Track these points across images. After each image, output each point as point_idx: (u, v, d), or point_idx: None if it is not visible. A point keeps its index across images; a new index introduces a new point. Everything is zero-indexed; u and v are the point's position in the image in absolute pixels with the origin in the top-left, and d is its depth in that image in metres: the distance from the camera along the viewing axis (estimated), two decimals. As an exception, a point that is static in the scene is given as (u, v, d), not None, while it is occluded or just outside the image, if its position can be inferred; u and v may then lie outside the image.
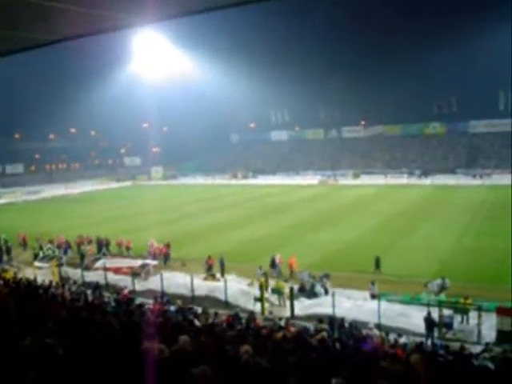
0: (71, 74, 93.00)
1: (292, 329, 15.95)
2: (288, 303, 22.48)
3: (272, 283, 24.55)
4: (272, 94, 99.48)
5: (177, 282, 25.54)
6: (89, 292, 22.46)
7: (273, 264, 28.29)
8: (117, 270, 28.29)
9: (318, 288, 23.87)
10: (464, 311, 20.08)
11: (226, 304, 22.79)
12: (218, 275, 27.21)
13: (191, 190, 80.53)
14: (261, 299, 22.36)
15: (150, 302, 20.97)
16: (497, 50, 74.73)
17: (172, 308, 19.30)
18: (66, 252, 34.40)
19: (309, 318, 20.59)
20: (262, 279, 23.79)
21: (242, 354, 8.51)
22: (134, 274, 26.61)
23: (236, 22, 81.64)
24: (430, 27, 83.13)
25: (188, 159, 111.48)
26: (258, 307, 22.22)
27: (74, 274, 28.32)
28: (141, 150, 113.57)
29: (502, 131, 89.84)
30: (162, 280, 24.43)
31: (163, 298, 22.16)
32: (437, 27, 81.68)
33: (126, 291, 23.56)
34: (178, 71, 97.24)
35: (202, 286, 24.95)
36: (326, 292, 23.48)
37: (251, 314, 19.39)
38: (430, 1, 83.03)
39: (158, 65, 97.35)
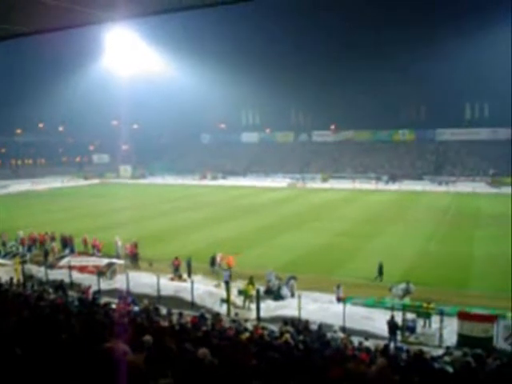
0: (40, 68, 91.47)
1: (259, 331, 15.96)
2: (254, 305, 22.50)
3: (239, 285, 24.53)
4: (243, 96, 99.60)
5: (143, 281, 25.30)
6: (52, 291, 22.04)
7: (213, 262, 28.78)
8: (82, 269, 27.85)
9: (285, 290, 23.97)
10: (426, 315, 20.44)
11: (192, 305, 22.67)
12: (185, 276, 27.08)
13: (160, 189, 79.92)
14: (227, 301, 22.33)
15: (115, 302, 20.71)
16: (465, 62, 76.49)
17: (137, 308, 19.11)
18: (29, 249, 33.75)
19: (274, 320, 20.63)
20: (250, 287, 23.57)
21: (203, 357, 8.46)
22: (100, 273, 26.25)
23: (209, 23, 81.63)
24: (403, 37, 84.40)
25: (157, 158, 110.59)
26: (224, 309, 22.19)
27: (38, 271, 27.77)
28: (109, 147, 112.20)
29: (468, 140, 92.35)
30: (127, 279, 24.15)
31: (128, 297, 21.90)
32: (409, 37, 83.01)
33: (90, 290, 23.23)
34: (150, 69, 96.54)
35: (169, 286, 24.78)
36: (293, 294, 23.59)
37: (217, 315, 19.33)
38: (402, 11, 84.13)
39: (129, 62, 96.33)
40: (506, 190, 69.46)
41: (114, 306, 18.47)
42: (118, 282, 25.86)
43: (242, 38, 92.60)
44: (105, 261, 29.05)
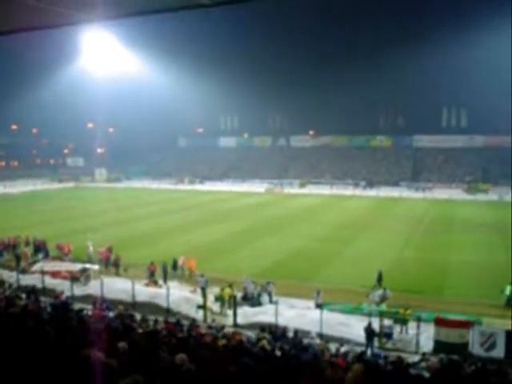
0: (14, 69, 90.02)
1: (236, 337, 15.80)
2: (231, 311, 22.32)
3: (216, 290, 24.31)
4: (221, 100, 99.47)
5: (118, 287, 24.92)
6: (24, 296, 21.54)
7: (175, 266, 28.83)
8: (55, 274, 27.34)
9: (262, 296, 23.83)
10: (403, 322, 20.53)
11: (168, 311, 22.39)
12: (161, 281, 26.77)
13: (136, 193, 79.14)
14: (203, 307, 22.11)
15: (89, 308, 20.34)
16: (442, 70, 77.65)
17: (111, 314, 18.78)
18: (1, 254, 33.01)
19: (251, 326, 20.49)
20: (228, 290, 23.37)
21: (180, 363, 8.29)
22: (73, 278, 25.79)
23: (189, 26, 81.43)
24: (381, 44, 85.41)
25: (134, 162, 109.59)
26: (200, 315, 21.96)
27: (10, 276, 27.14)
28: (85, 150, 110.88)
29: (444, 147, 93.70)
30: (102, 285, 23.74)
31: (103, 303, 21.52)
32: (387, 44, 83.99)
33: (63, 296, 22.78)
34: (127, 72, 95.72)
35: (144, 292, 24.46)
36: (270, 301, 23.48)
37: (193, 321, 19.10)
38: (379, 18, 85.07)
39: (106, 64, 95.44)
40: (482, 196, 70.68)
41: (87, 312, 18.13)
42: (92, 287, 25.45)
43: (221, 42, 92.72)
44: (78, 266, 28.56)
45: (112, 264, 30.46)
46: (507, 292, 23.41)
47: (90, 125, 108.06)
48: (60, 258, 32.03)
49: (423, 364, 15.40)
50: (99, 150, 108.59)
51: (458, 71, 77.57)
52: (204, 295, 22.61)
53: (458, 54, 74.08)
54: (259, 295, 23.77)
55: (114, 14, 9.43)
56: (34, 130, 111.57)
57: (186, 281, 27.52)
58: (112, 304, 21.65)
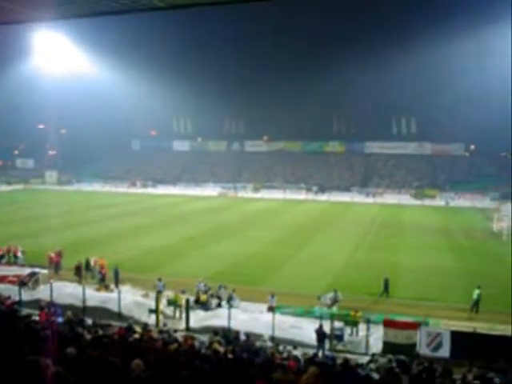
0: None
1: (188, 341, 15.75)
2: (184, 315, 22.23)
3: (169, 294, 24.14)
4: (176, 103, 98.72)
5: (67, 292, 24.39)
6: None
7: (87, 267, 28.97)
8: (2, 279, 26.51)
9: (215, 300, 23.83)
10: (354, 323, 20.93)
11: (119, 315, 22.09)
12: (112, 286, 26.37)
13: (87, 196, 77.58)
14: (156, 311, 21.92)
15: (37, 313, 19.83)
16: (393, 80, 79.47)
17: (60, 319, 18.37)
18: None
19: (204, 330, 20.47)
20: (179, 296, 23.19)
21: (134, 369, 8.24)
22: (22, 283, 25.08)
23: (143, 28, 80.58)
24: (333, 52, 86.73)
25: (85, 164, 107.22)
26: (153, 319, 21.76)
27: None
28: (35, 152, 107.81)
29: (394, 153, 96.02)
30: (51, 290, 23.20)
31: (51, 308, 21.02)
32: (339, 53, 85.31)
33: (9, 301, 22.11)
34: (80, 73, 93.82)
35: (95, 296, 24.04)
36: (219, 304, 23.54)
37: (145, 326, 18.90)
38: (332, 25, 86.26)
39: (58, 64, 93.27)
40: (429, 202, 72.79)
41: (35, 318, 17.69)
42: (41, 292, 24.82)
43: (176, 45, 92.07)
44: (27, 270, 27.79)
45: (53, 265, 30.08)
46: (474, 296, 24.05)
47: (41, 126, 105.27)
48: (9, 263, 31.13)
49: (372, 365, 15.76)
50: (50, 152, 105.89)
51: (409, 81, 79.69)
52: (157, 299, 22.40)
53: (409, 64, 76.04)
54: (231, 298, 23.64)
55: (67, 14, 9.33)
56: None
57: (100, 280, 27.63)
58: (62, 309, 21.18)
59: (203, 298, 23.84)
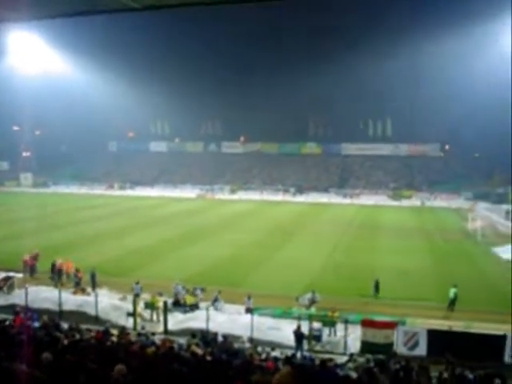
0: None
1: (166, 343, 15.68)
2: (161, 318, 22.10)
3: (146, 297, 23.99)
4: (153, 104, 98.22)
5: (43, 296, 24.08)
6: None
7: (53, 269, 28.96)
8: (-25, 284, 26.06)
9: (219, 301, 23.77)
10: (332, 324, 21.07)
11: (96, 319, 21.88)
12: (89, 289, 26.11)
13: (63, 199, 76.54)
14: (133, 314, 21.76)
15: (11, 318, 19.52)
16: (369, 81, 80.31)
17: (36, 324, 18.11)
18: None
19: (182, 332, 20.39)
20: (157, 299, 23.04)
21: (115, 374, 8.16)
22: (-4, 287, 24.71)
23: (119, 29, 79.87)
24: (310, 54, 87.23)
25: (62, 166, 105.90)
26: (130, 322, 21.60)
27: None
28: (9, 154, 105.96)
29: (371, 155, 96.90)
30: (26, 294, 22.88)
31: (27, 313, 20.71)
32: (317, 55, 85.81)
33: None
34: (56, 74, 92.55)
35: (71, 300, 23.77)
36: (197, 306, 23.51)
37: (122, 329, 18.76)
38: (307, 29, 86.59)
39: (33, 65, 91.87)
40: (405, 202, 73.60)
41: (10, 323, 17.42)
42: (16, 296, 24.47)
43: (153, 46, 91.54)
44: (1, 274, 27.37)
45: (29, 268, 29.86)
46: (451, 294, 24.37)
47: (16, 128, 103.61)
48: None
49: (350, 365, 15.89)
50: (25, 154, 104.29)
51: (384, 82, 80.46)
52: (135, 302, 22.24)
53: (384, 65, 76.71)
54: (216, 300, 23.57)
55: (41, 15, 9.22)
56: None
57: (68, 283, 27.57)
58: (37, 313, 20.89)
59: (190, 300, 23.69)
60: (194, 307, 23.54)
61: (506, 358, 17.90)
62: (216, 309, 23.36)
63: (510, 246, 36.89)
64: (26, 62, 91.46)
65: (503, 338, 18.29)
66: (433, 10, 73.82)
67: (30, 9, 8.09)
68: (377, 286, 26.48)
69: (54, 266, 29.02)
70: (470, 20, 65.78)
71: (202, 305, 23.65)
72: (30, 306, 22.44)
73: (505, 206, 61.77)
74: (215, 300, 23.70)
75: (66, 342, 12.82)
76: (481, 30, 65.58)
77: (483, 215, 54.06)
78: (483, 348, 17.96)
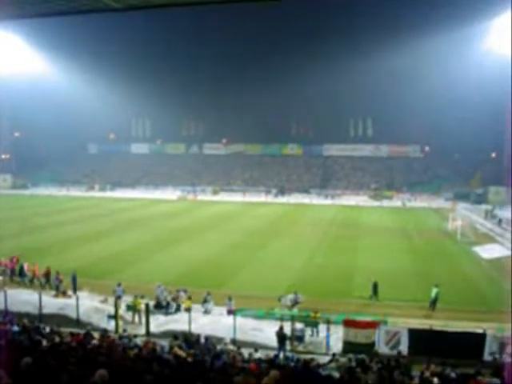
0: None
1: (149, 345, 15.58)
2: (143, 320, 21.97)
3: (128, 299, 23.83)
4: (133, 106, 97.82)
5: (23, 299, 23.76)
6: None
7: (21, 272, 29.23)
8: (-48, 288, 25.61)
9: (210, 305, 23.66)
10: (314, 324, 21.12)
11: (78, 322, 21.66)
12: (70, 292, 25.84)
13: (42, 201, 75.58)
14: (115, 316, 21.59)
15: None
16: (349, 83, 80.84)
17: (16, 328, 17.86)
18: None
19: (165, 334, 20.27)
20: (138, 301, 22.88)
21: (96, 378, 8.07)
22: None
23: (99, 29, 79.31)
24: (291, 56, 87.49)
25: (41, 168, 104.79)
26: (112, 325, 21.43)
27: None
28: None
29: (352, 155, 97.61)
30: (5, 297, 22.53)
31: (6, 316, 20.41)
32: (297, 56, 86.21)
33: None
34: (34, 75, 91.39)
35: (52, 303, 23.51)
36: (179, 308, 23.42)
37: (104, 332, 18.59)
38: (289, 30, 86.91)
39: (11, 66, 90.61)
40: (386, 203, 74.18)
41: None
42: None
43: (135, 47, 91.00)
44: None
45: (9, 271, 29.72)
46: (432, 294, 24.56)
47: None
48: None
49: (333, 364, 15.96)
50: (4, 156, 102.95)
51: (364, 84, 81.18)
52: (116, 305, 22.05)
53: (363, 67, 77.18)
54: (205, 301, 23.54)
55: (21, 14, 9.11)
56: None
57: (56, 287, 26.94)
58: (17, 317, 20.59)
59: (187, 303, 23.35)
60: (188, 310, 23.42)
61: (486, 356, 18.13)
62: (206, 310, 23.29)
63: (489, 246, 37.47)
64: (4, 63, 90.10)
65: (483, 336, 18.53)
66: (413, 13, 74.38)
67: (10, 8, 7.99)
68: (375, 288, 26.23)
69: (22, 268, 29.37)
70: (452, 22, 66.66)
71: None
72: (10, 309, 22.12)
73: (484, 206, 62.81)
74: (205, 301, 23.64)
75: (46, 345, 12.68)
76: (461, 31, 66.26)
77: (463, 215, 54.72)
78: (464, 346, 18.16)
